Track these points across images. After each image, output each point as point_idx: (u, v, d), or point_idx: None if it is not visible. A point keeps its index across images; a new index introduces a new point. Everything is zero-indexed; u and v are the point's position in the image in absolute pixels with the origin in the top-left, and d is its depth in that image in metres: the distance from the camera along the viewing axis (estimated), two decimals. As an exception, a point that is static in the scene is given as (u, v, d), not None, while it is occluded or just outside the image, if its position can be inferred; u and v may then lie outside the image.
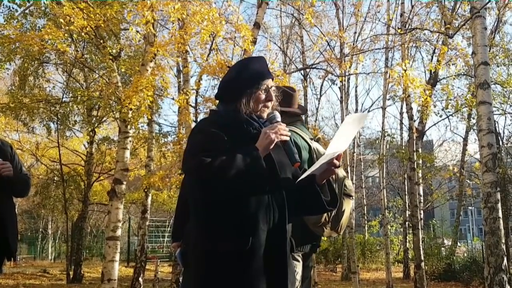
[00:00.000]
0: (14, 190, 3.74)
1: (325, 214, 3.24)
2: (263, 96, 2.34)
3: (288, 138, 2.23)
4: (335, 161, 2.22)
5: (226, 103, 2.38)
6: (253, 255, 2.10)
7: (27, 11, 9.48)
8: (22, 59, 14.84)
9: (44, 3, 9.23)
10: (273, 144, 2.17)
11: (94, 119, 16.27)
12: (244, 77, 2.37)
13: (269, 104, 2.36)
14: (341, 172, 3.34)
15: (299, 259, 3.29)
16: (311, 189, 2.29)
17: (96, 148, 17.14)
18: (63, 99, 13.44)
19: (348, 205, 3.39)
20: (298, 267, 3.26)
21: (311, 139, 3.51)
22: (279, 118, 2.33)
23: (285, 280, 2.15)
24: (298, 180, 2.22)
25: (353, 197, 3.53)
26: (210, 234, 2.15)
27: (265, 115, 2.36)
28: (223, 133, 2.20)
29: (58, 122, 16.53)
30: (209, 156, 2.09)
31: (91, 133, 16.23)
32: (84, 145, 20.56)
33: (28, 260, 29.88)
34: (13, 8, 9.16)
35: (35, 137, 20.64)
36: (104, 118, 16.93)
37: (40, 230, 36.23)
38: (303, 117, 4.49)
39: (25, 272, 17.58)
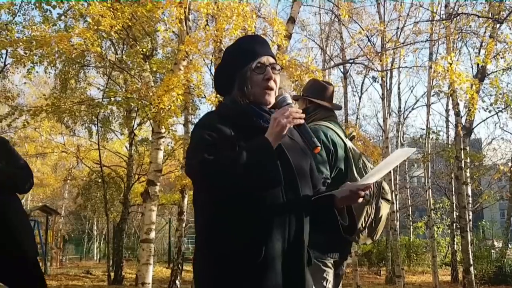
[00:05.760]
0: (14, 184, 3.52)
1: (361, 220, 3.01)
2: (258, 77, 1.97)
3: (302, 121, 1.87)
4: (361, 192, 1.89)
5: (227, 94, 2.06)
6: (266, 267, 1.79)
7: (61, 11, 9.43)
8: (63, 63, 15.07)
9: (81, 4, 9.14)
10: (286, 130, 1.82)
11: (134, 121, 16.34)
12: (234, 59, 2.03)
13: (271, 84, 1.98)
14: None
15: (331, 265, 3.02)
16: (328, 208, 1.97)
17: (135, 149, 17.23)
18: (103, 102, 13.50)
19: (386, 210, 3.17)
20: (330, 275, 3.00)
21: (346, 137, 3.28)
22: (289, 100, 1.95)
23: None
24: (315, 197, 1.90)
25: (390, 201, 3.27)
26: (217, 243, 1.85)
27: (271, 99, 1.99)
28: (229, 127, 1.89)
29: (99, 125, 16.68)
30: (212, 154, 1.78)
31: (131, 135, 16.32)
32: (126, 147, 20.80)
33: (74, 260, 30.49)
34: (47, 10, 9.12)
35: (79, 139, 21.02)
36: (144, 120, 17.00)
37: (86, 231, 36.97)
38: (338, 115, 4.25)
39: (68, 273, 17.84)
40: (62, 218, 30.98)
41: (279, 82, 2.02)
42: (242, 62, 1.99)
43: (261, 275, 1.79)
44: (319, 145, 1.86)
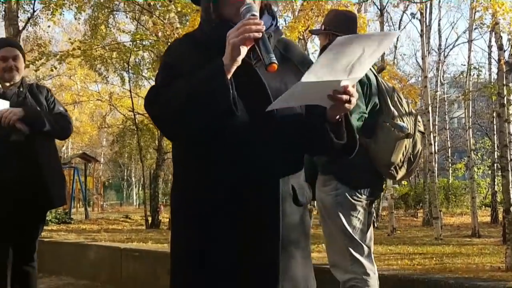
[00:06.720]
0: (50, 131, 3.44)
1: (400, 155, 2.82)
2: None
3: (259, 35, 1.45)
4: (339, 96, 1.49)
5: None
6: (230, 212, 1.53)
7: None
8: (92, 8, 14.92)
9: None
10: (238, 50, 1.44)
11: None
12: None
13: None
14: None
15: (364, 203, 2.83)
16: (318, 123, 1.59)
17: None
18: (131, 46, 13.33)
19: (421, 144, 2.99)
20: (361, 213, 2.83)
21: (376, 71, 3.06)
22: (254, 10, 1.52)
23: (275, 242, 1.54)
24: (268, 108, 1.48)
25: (425, 134, 3.10)
26: (179, 188, 1.65)
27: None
28: (199, 51, 1.58)
29: (131, 71, 16.62)
30: (163, 85, 1.53)
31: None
32: (160, 94, 20.77)
33: (115, 206, 31.46)
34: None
35: (113, 87, 21.14)
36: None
37: (125, 177, 37.91)
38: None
39: (109, 218, 18.34)
40: (101, 165, 31.73)
41: None
42: None
43: (224, 221, 1.54)
44: (276, 62, 1.45)
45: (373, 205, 3.10)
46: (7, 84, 3.41)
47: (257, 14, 1.52)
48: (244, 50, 1.46)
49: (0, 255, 3.26)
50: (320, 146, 1.66)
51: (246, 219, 1.53)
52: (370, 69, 2.94)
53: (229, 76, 1.46)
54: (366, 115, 2.76)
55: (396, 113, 2.87)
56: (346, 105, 1.52)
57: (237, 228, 1.53)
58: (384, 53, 16.63)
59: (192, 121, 1.50)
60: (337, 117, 1.59)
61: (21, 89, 3.43)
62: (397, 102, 2.92)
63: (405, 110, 2.91)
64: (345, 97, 1.50)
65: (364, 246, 2.82)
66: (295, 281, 1.60)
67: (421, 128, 2.98)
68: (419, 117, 3.00)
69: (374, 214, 3.06)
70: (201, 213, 1.56)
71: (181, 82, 1.50)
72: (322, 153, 1.86)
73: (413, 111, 3.04)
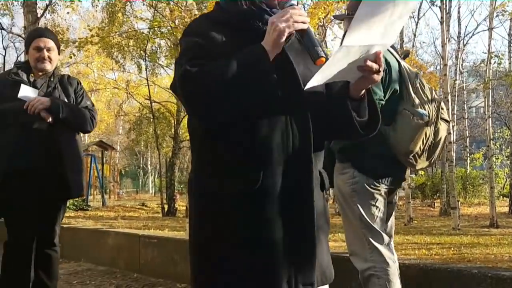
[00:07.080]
0: (73, 123, 3.50)
1: (420, 143, 2.74)
2: None
3: (306, 26, 1.47)
4: (370, 63, 1.46)
5: None
6: (266, 195, 1.50)
7: None
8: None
9: None
10: (284, 37, 1.44)
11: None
12: None
13: None
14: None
15: (383, 193, 2.78)
16: (340, 103, 1.57)
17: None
18: (150, 35, 13.30)
19: (444, 132, 2.88)
20: (380, 202, 2.78)
21: (400, 56, 2.95)
22: (294, 0, 1.52)
23: (311, 226, 1.52)
24: (307, 86, 1.45)
25: (449, 122, 2.98)
26: (208, 170, 1.59)
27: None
28: (222, 32, 1.55)
29: (148, 59, 16.63)
30: (196, 65, 1.47)
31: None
32: (176, 82, 20.75)
33: (131, 193, 31.70)
34: None
35: (130, 75, 21.19)
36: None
37: (141, 165, 38.13)
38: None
39: (125, 205, 18.49)
40: (117, 153, 31.94)
41: None
42: None
43: (257, 204, 1.51)
44: (324, 55, 1.47)
45: (394, 194, 3.04)
46: (39, 73, 3.49)
47: (295, 3, 1.51)
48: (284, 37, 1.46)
49: (24, 239, 3.31)
50: (342, 126, 1.64)
51: (281, 202, 1.51)
52: (392, 53, 2.87)
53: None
54: (383, 102, 2.69)
55: (417, 100, 2.78)
56: (375, 76, 1.50)
57: (272, 213, 1.52)
58: (403, 41, 16.45)
59: (234, 103, 1.48)
60: (361, 93, 1.57)
61: (52, 79, 3.51)
62: (419, 88, 2.83)
63: (428, 97, 2.84)
64: (375, 66, 1.47)
65: (384, 234, 2.77)
66: (323, 267, 1.60)
67: (445, 116, 2.88)
68: (442, 104, 2.89)
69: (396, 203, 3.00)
70: (235, 195, 1.53)
71: (219, 63, 1.46)
72: (344, 133, 1.79)
73: (436, 97, 2.94)
